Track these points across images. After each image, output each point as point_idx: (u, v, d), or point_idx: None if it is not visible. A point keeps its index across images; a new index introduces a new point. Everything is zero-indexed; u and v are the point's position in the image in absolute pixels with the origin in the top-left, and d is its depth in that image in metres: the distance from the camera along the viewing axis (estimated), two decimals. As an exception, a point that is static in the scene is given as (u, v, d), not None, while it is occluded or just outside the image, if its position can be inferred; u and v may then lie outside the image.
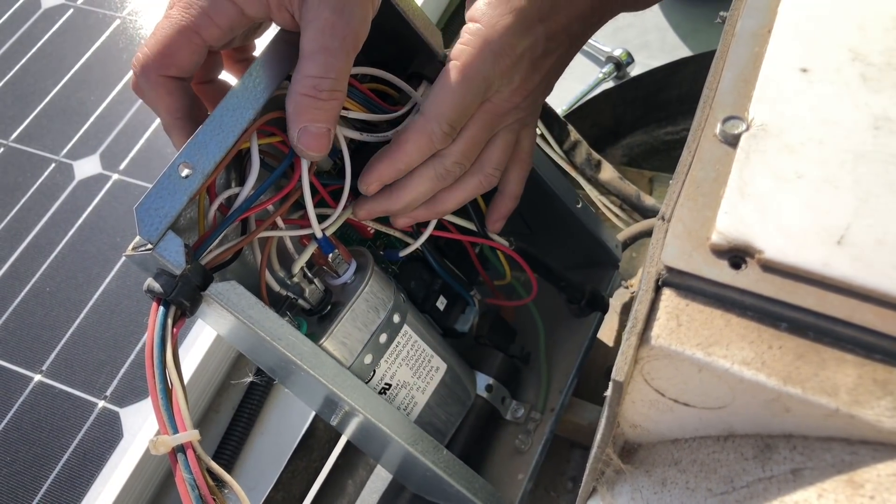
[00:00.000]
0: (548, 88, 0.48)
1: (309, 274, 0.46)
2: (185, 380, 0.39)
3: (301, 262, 0.45)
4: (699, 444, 0.28)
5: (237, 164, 0.44)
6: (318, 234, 0.45)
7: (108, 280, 0.66)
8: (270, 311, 0.41)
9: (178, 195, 0.39)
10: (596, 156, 0.64)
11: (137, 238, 0.39)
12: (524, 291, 0.59)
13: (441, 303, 0.55)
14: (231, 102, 0.40)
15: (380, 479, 0.60)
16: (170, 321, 0.38)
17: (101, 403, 0.59)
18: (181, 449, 0.36)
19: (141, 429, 0.58)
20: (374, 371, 0.48)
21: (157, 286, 0.38)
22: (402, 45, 0.51)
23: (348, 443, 0.61)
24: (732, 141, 0.28)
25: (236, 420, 0.63)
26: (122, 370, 0.61)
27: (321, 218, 0.47)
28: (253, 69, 0.41)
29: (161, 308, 0.38)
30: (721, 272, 0.25)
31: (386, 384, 0.49)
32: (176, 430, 0.36)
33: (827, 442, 0.24)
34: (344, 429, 0.52)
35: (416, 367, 0.50)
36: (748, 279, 0.25)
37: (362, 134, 0.47)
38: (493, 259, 0.58)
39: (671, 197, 0.28)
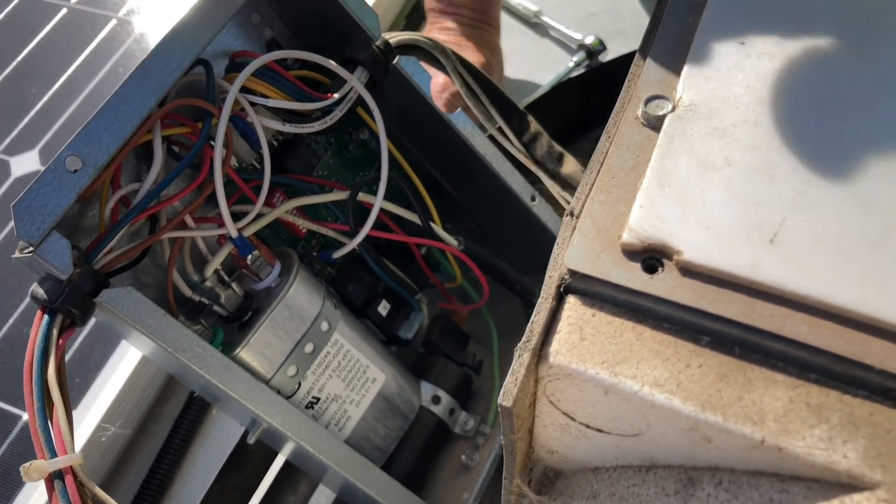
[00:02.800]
0: None
1: (226, 278, 0.43)
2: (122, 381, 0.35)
3: (214, 264, 0.42)
4: (619, 476, 0.25)
5: (149, 156, 0.40)
6: (234, 234, 0.41)
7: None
8: (172, 319, 0.37)
9: (65, 192, 0.35)
10: (558, 148, 0.60)
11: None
12: (477, 295, 0.55)
13: (384, 308, 0.51)
14: (128, 89, 0.37)
15: (324, 495, 0.56)
16: (55, 331, 0.35)
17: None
18: (59, 475, 0.32)
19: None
20: (300, 384, 0.44)
21: (41, 292, 0.35)
22: (337, 30, 0.47)
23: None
24: (656, 124, 0.24)
25: (175, 431, 0.59)
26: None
27: (242, 216, 0.43)
28: (155, 50, 0.37)
29: (45, 317, 0.35)
30: (633, 277, 0.21)
31: (314, 398, 0.45)
32: (54, 454, 0.32)
33: (755, 477, 0.20)
34: (275, 446, 0.48)
35: (348, 378, 0.46)
36: (664, 285, 0.21)
37: (286, 125, 0.43)
38: (443, 260, 0.54)
39: (582, 190, 0.24)
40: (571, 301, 0.22)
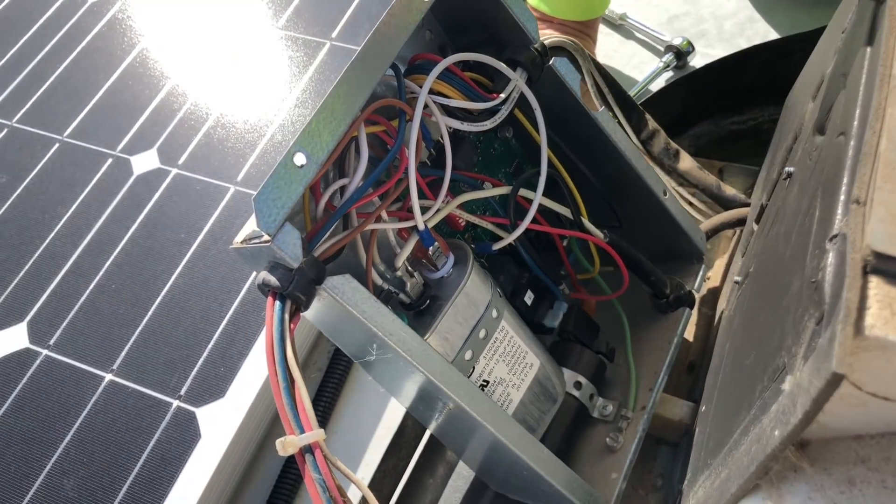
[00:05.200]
0: None
1: (410, 268, 0.45)
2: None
3: (404, 254, 0.44)
4: (890, 442, 0.27)
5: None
6: (421, 227, 0.44)
7: (174, 277, 0.64)
8: (382, 305, 0.40)
9: (295, 185, 0.37)
10: (674, 145, 0.63)
11: (250, 230, 0.38)
12: (606, 284, 0.58)
13: (528, 297, 0.54)
14: (342, 89, 0.39)
15: (461, 477, 0.59)
16: (286, 316, 0.37)
17: (176, 403, 0.58)
18: (308, 449, 0.35)
19: (219, 428, 0.56)
20: (474, 368, 0.47)
21: (273, 279, 0.37)
22: (493, 30, 0.49)
23: (428, 440, 0.59)
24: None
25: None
26: (196, 369, 0.59)
27: (420, 211, 0.45)
28: (362, 53, 0.40)
29: (277, 303, 0.37)
30: (934, 257, 0.24)
31: (484, 381, 0.48)
32: (302, 430, 0.35)
33: None
34: (434, 423, 0.50)
35: (511, 363, 0.49)
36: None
37: (463, 123, 0.46)
38: (578, 252, 0.57)
39: (861, 180, 0.26)
40: (875, 281, 0.24)
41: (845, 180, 0.28)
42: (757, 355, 0.37)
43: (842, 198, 0.28)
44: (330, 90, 0.39)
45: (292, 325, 0.37)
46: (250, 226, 0.38)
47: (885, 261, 0.24)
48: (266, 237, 0.36)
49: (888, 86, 0.28)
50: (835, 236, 0.28)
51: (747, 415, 0.35)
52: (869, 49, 0.32)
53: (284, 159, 0.37)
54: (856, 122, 0.30)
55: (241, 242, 0.38)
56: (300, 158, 0.37)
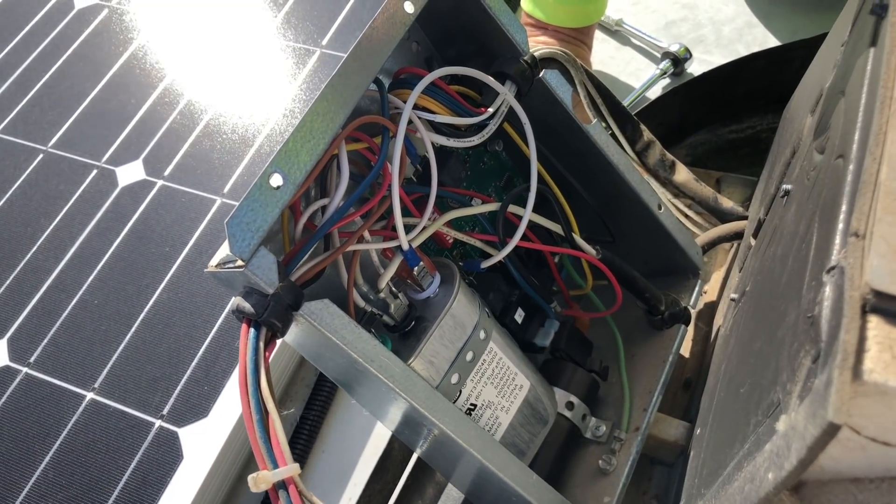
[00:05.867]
0: None
1: (394, 289, 0.44)
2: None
3: (388, 276, 0.42)
4: (890, 487, 0.25)
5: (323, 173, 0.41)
6: (405, 247, 0.42)
7: (158, 292, 0.63)
8: (363, 331, 0.38)
9: (270, 208, 0.36)
10: (670, 157, 0.61)
11: (224, 253, 0.36)
12: (599, 301, 0.56)
13: (519, 315, 0.52)
14: (321, 106, 0.38)
15: (450, 498, 0.57)
16: (261, 344, 0.36)
17: (158, 423, 0.56)
18: (282, 485, 0.33)
19: (202, 449, 0.55)
20: (461, 391, 0.45)
21: (247, 306, 0.36)
22: (482, 42, 0.48)
23: (416, 461, 0.58)
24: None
25: (297, 435, 0.60)
26: (179, 387, 0.58)
27: (405, 229, 0.44)
28: (343, 69, 0.38)
29: (252, 330, 0.36)
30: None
31: (472, 404, 0.46)
32: (276, 465, 0.33)
33: None
34: (421, 447, 0.49)
35: (500, 385, 0.47)
36: (969, 304, 0.22)
37: (449, 139, 0.44)
38: (571, 268, 0.55)
39: (861, 210, 0.25)
40: (875, 321, 0.23)
41: (844, 208, 0.27)
42: (752, 385, 0.35)
43: (840, 226, 0.27)
44: (309, 107, 0.37)
45: (267, 354, 0.36)
46: (225, 249, 0.37)
47: (886, 300, 0.23)
48: (240, 262, 0.35)
49: (889, 109, 0.27)
50: (832, 268, 0.26)
51: (741, 448, 0.33)
52: (869, 68, 0.31)
53: (260, 181, 0.36)
54: (855, 146, 0.28)
55: (216, 266, 0.37)
56: (276, 179, 0.36)
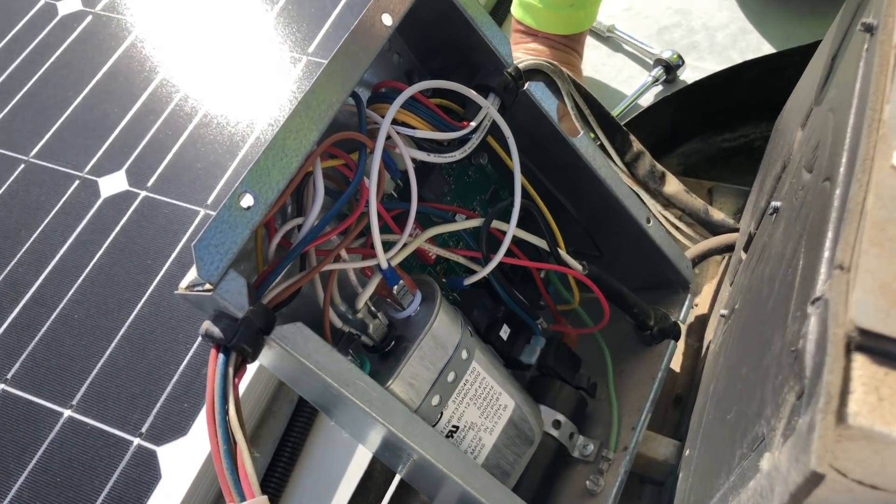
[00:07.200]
0: None
1: (373, 308, 0.42)
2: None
3: (366, 295, 0.41)
4: (879, 530, 0.24)
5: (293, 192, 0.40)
6: (384, 266, 0.41)
7: (139, 306, 0.62)
8: (338, 354, 0.37)
9: (240, 229, 0.35)
10: (660, 168, 0.60)
11: (193, 275, 0.35)
12: (587, 316, 0.55)
13: (504, 332, 0.51)
14: (293, 123, 0.36)
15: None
16: (231, 370, 0.34)
17: (137, 441, 0.55)
18: (250, 519, 0.32)
19: (180, 469, 0.53)
20: (442, 413, 0.44)
21: (216, 331, 0.34)
22: (465, 54, 0.47)
23: (399, 481, 0.57)
24: (916, 173, 0.24)
25: (279, 453, 0.59)
26: (158, 405, 0.57)
27: (384, 247, 0.43)
28: (317, 84, 0.37)
29: (221, 355, 0.34)
30: (927, 335, 0.21)
31: (453, 426, 0.45)
32: (243, 498, 0.32)
33: None
34: (401, 470, 0.48)
35: (483, 406, 0.46)
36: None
37: (430, 155, 0.43)
38: (558, 283, 0.54)
39: (846, 241, 0.24)
40: (860, 360, 0.22)
41: (829, 236, 0.25)
42: (738, 413, 0.34)
43: (825, 255, 0.26)
44: (282, 123, 0.36)
45: (237, 380, 0.35)
46: (195, 271, 0.36)
47: (872, 338, 0.22)
48: (208, 286, 0.34)
49: (877, 133, 0.26)
50: (817, 299, 0.25)
51: (727, 480, 0.32)
52: (857, 86, 0.30)
53: (229, 201, 0.34)
54: (842, 170, 0.27)
55: (185, 289, 0.36)
56: (247, 200, 0.35)
